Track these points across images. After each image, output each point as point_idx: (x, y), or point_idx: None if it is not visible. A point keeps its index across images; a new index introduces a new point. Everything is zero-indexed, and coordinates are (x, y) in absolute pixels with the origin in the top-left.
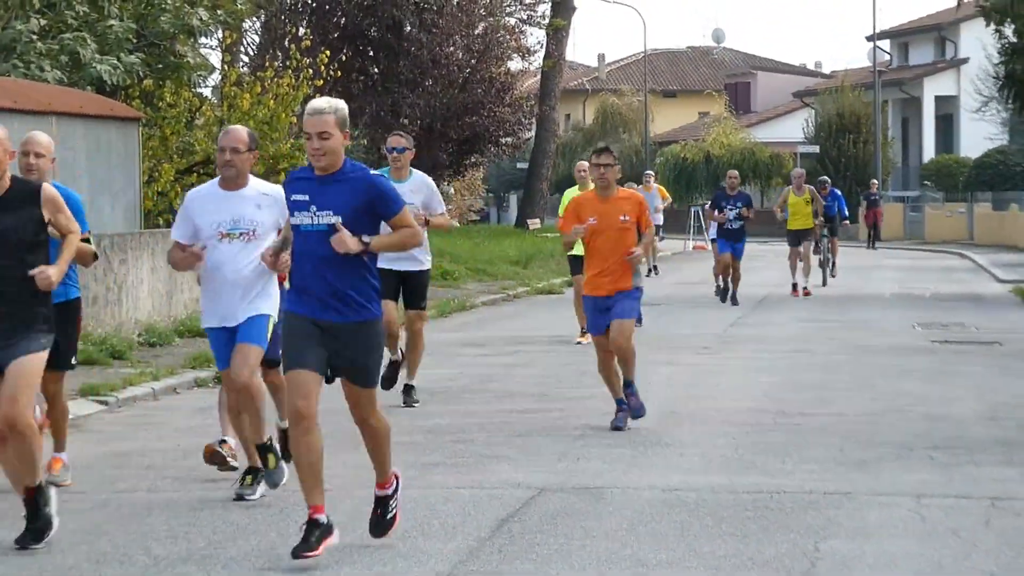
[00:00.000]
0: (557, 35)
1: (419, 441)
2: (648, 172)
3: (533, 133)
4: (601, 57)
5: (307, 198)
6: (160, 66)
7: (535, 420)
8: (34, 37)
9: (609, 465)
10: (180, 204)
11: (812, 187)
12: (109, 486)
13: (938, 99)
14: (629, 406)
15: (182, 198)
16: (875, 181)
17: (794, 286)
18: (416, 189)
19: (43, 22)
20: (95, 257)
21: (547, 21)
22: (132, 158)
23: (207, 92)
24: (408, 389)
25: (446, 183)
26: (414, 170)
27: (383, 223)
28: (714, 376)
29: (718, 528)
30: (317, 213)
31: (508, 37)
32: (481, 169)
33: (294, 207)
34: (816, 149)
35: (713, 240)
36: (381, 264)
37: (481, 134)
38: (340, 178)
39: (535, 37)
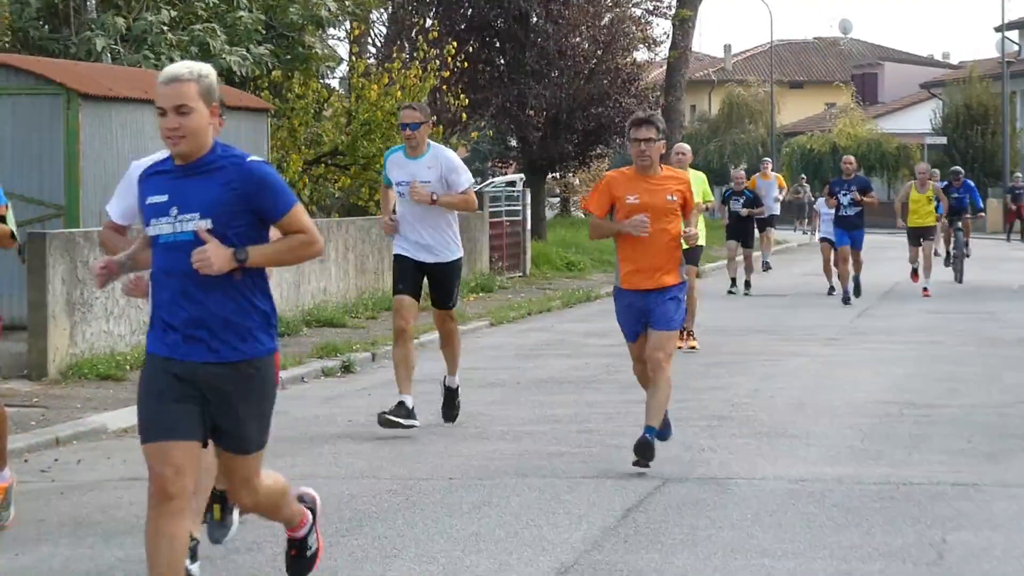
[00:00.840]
0: (683, 26)
1: (544, 431)
2: (766, 159)
3: None
4: (727, 48)
5: (166, 198)
6: (288, 57)
7: None
8: (164, 28)
9: (734, 456)
10: (307, 194)
11: (937, 185)
12: None
13: None
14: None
15: (310, 188)
16: (1020, 175)
17: (914, 271)
18: (432, 164)
19: (173, 13)
20: (13, 238)
21: (673, 12)
22: (261, 149)
23: (335, 83)
24: (451, 396)
25: (571, 174)
26: (432, 143)
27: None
28: (842, 367)
29: (844, 519)
30: (179, 218)
31: (634, 28)
32: (607, 160)
33: (150, 212)
34: (944, 140)
35: (823, 239)
36: (399, 250)
37: (607, 125)
38: (207, 167)
39: (661, 28)
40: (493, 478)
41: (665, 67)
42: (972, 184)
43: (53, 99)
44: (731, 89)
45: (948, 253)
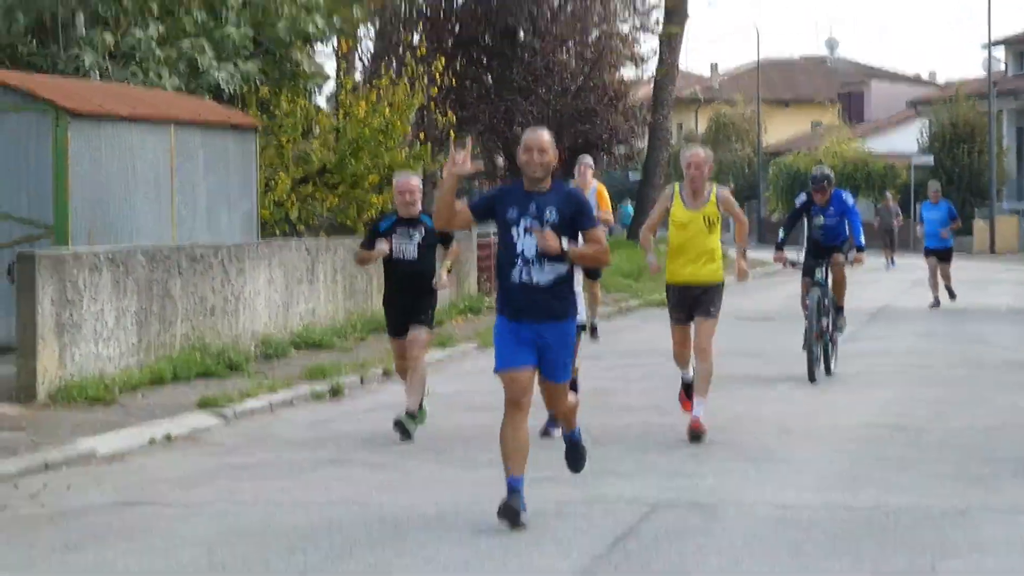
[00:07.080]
0: (670, 43)
1: (532, 456)
2: (583, 157)
3: (646, 143)
4: (714, 67)
5: None
6: (276, 74)
7: (650, 435)
8: (152, 44)
9: (723, 481)
10: (295, 214)
11: (726, 192)
12: (228, 497)
13: None
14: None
15: (298, 208)
16: None
17: (686, 388)
18: None
19: (161, 29)
20: None
21: (660, 28)
22: (249, 167)
23: (322, 101)
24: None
25: None
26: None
27: None
28: (830, 391)
29: (832, 546)
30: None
31: (621, 45)
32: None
33: None
34: (930, 159)
35: None
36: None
37: (594, 142)
38: None
39: (649, 45)
40: (482, 504)
41: (652, 85)
42: (848, 200)
43: (41, 116)
44: (718, 108)
45: (819, 329)
